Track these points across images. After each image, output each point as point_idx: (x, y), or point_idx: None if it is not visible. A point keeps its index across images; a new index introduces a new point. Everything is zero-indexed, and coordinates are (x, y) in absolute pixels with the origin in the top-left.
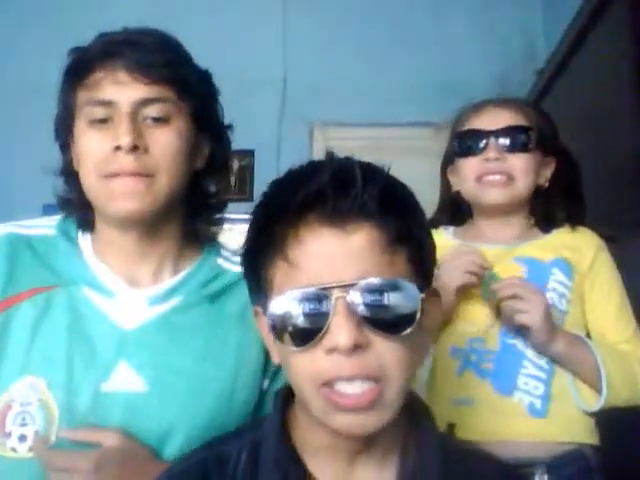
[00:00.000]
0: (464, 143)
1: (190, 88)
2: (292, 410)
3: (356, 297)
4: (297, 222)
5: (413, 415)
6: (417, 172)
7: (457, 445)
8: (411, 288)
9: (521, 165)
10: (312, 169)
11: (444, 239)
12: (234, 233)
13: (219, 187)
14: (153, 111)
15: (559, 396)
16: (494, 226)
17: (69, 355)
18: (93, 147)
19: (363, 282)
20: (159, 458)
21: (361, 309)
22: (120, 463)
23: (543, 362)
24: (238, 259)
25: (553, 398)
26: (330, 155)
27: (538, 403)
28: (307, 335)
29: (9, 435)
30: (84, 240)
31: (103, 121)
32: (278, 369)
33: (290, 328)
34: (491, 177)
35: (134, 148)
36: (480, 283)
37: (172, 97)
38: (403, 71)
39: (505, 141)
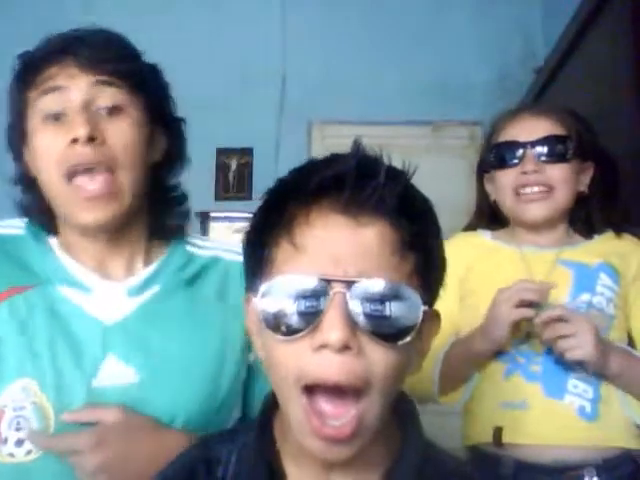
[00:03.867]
0: (500, 154)
1: (141, 80)
2: (280, 414)
3: (355, 296)
4: (310, 205)
5: (400, 421)
6: (416, 171)
7: (438, 455)
8: (414, 297)
9: (560, 175)
10: (337, 156)
11: (481, 238)
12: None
13: (177, 180)
14: (106, 100)
15: (608, 400)
16: (534, 234)
17: (56, 355)
18: (49, 144)
19: (366, 282)
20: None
21: (358, 311)
22: (124, 435)
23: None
24: (206, 245)
25: (602, 401)
26: (357, 145)
27: (588, 407)
28: (298, 326)
29: (5, 441)
30: (53, 239)
31: (57, 117)
32: None
33: (282, 316)
34: (529, 189)
35: (91, 139)
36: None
37: (123, 87)
38: (402, 69)
39: (543, 152)
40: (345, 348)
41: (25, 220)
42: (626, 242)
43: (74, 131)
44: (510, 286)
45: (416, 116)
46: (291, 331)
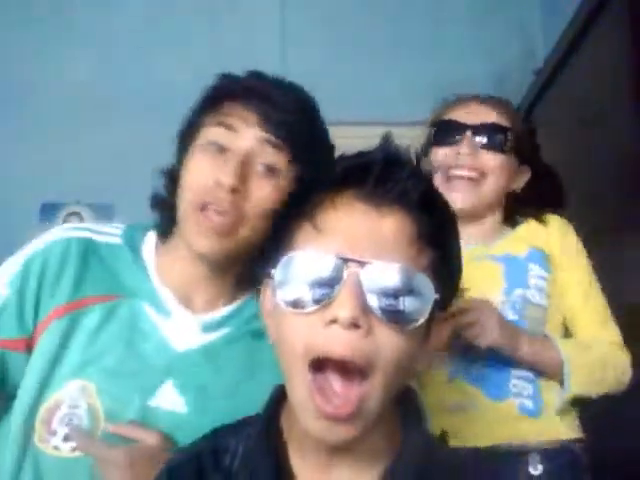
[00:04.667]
0: (440, 132)
1: (303, 149)
2: (285, 405)
3: (369, 277)
4: (335, 190)
5: (404, 415)
6: None
7: (444, 451)
8: (427, 284)
9: (494, 164)
10: (365, 150)
11: None
12: None
13: None
14: (265, 159)
15: (547, 393)
16: (463, 226)
17: (121, 365)
18: (200, 170)
19: (380, 264)
20: None
21: (371, 291)
22: (156, 462)
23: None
24: None
25: (543, 397)
26: (387, 137)
27: (530, 403)
28: (311, 300)
29: (54, 433)
30: (148, 252)
31: (219, 149)
32: None
33: (296, 288)
34: (459, 172)
35: (234, 191)
36: None
37: (286, 151)
38: (401, 70)
39: (481, 137)
40: (354, 326)
41: (122, 226)
42: (549, 222)
43: (224, 175)
44: None
45: (416, 117)
46: (303, 304)
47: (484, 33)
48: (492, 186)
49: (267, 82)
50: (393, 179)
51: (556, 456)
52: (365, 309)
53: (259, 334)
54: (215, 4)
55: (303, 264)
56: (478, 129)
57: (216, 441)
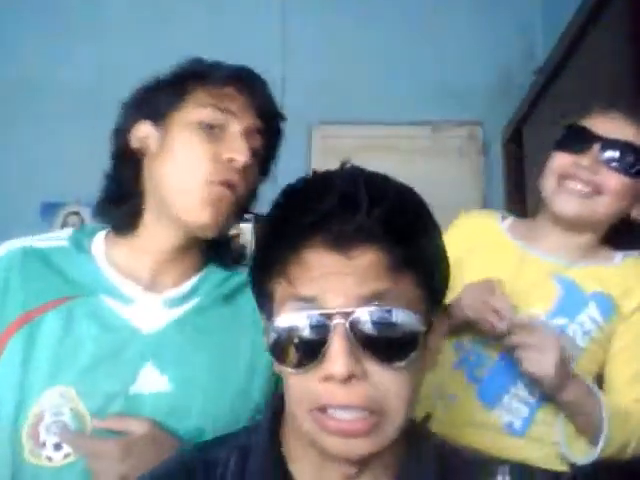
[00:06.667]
0: (568, 136)
1: (274, 142)
2: (284, 417)
3: (355, 325)
4: (300, 243)
5: (410, 430)
6: (415, 171)
7: (455, 456)
8: (412, 317)
9: (614, 185)
10: (320, 188)
11: (493, 221)
12: (233, 231)
13: None
14: (256, 142)
15: (544, 423)
16: (557, 234)
17: (96, 362)
18: (198, 152)
19: (363, 309)
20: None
21: (359, 339)
22: (147, 450)
23: (538, 389)
24: (245, 262)
25: (536, 423)
26: (340, 170)
27: (518, 423)
28: (304, 359)
29: (44, 445)
30: (97, 249)
31: (210, 126)
32: None
33: (288, 350)
34: (572, 184)
35: (245, 169)
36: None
37: (264, 142)
38: (402, 70)
39: (609, 153)
40: (350, 377)
41: (68, 231)
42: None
43: (236, 152)
44: (480, 284)
45: (416, 117)
46: (298, 365)
47: (485, 33)
48: (604, 207)
49: (247, 70)
50: (353, 220)
51: (530, 475)
52: (357, 357)
53: (230, 296)
54: (216, 7)
55: (288, 327)
56: (608, 143)
57: (205, 453)
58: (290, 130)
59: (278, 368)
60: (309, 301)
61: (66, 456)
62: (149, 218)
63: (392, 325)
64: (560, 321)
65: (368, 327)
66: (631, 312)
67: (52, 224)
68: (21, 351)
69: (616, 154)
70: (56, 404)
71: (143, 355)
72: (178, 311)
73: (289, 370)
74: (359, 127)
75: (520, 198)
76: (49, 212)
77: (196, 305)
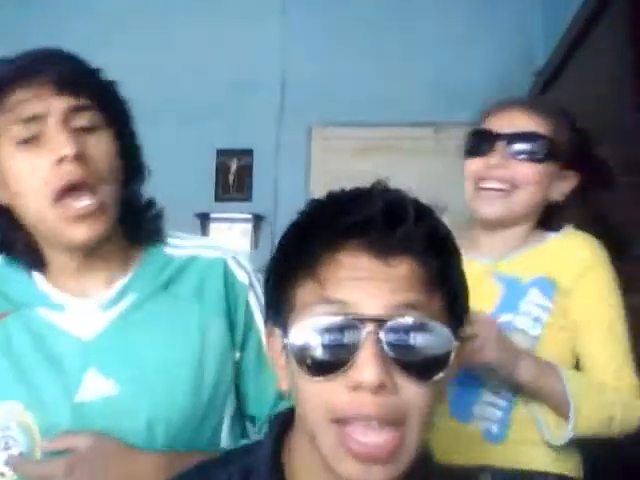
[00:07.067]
0: (472, 142)
1: (108, 97)
2: (287, 438)
3: (388, 334)
4: (336, 245)
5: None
6: (416, 172)
7: (444, 467)
8: (445, 332)
9: (526, 175)
10: (362, 195)
11: None
12: (234, 232)
13: (138, 187)
14: (82, 120)
15: (520, 423)
16: (489, 237)
17: (38, 375)
18: (30, 167)
19: (398, 319)
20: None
21: (392, 349)
22: (94, 463)
23: (504, 389)
24: (184, 245)
25: (512, 424)
26: (380, 185)
27: (495, 428)
28: (330, 365)
29: None
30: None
31: (33, 139)
32: (245, 338)
33: (312, 355)
34: (489, 184)
35: (78, 156)
36: None
37: (95, 107)
38: (402, 71)
39: (512, 146)
40: (380, 387)
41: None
42: (575, 243)
43: (59, 150)
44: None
45: (416, 118)
46: (322, 371)
47: (485, 34)
48: (524, 198)
49: (34, 54)
50: (398, 229)
51: (512, 478)
52: (387, 368)
53: (169, 283)
54: (216, 9)
55: (316, 329)
56: (511, 138)
57: (206, 475)
58: (290, 130)
59: (290, 377)
60: (340, 305)
61: (12, 467)
62: (35, 237)
63: (427, 338)
64: (506, 317)
65: (401, 338)
66: (571, 284)
67: None
68: None
69: (521, 146)
70: (4, 419)
71: (85, 362)
72: (114, 312)
73: (311, 377)
74: (359, 129)
75: None
76: None
77: (132, 302)
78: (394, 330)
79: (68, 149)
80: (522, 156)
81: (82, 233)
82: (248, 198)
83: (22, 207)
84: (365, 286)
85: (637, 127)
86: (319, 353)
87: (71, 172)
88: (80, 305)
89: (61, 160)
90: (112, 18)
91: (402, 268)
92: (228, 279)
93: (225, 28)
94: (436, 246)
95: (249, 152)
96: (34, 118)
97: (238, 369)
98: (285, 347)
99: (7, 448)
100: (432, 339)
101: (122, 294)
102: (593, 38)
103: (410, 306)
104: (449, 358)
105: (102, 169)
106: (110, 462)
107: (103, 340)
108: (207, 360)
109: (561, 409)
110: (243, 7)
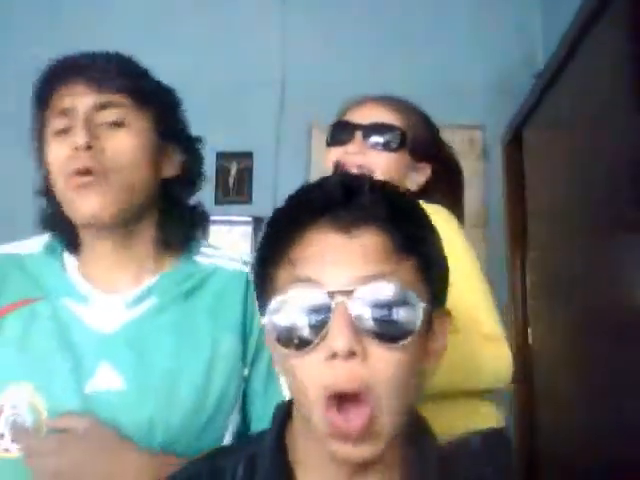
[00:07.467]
0: (334, 133)
1: (147, 96)
2: (291, 425)
3: (356, 303)
4: (304, 224)
5: (412, 430)
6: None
7: (456, 454)
8: (412, 297)
9: (382, 163)
10: (324, 179)
11: None
12: (234, 235)
13: (196, 199)
14: (108, 116)
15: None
16: None
17: (54, 360)
18: (56, 154)
19: (365, 288)
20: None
21: (360, 316)
22: (86, 446)
23: None
24: (217, 254)
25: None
26: (339, 166)
27: None
28: (307, 339)
29: (2, 437)
30: (69, 256)
31: (64, 131)
32: (256, 356)
33: (290, 331)
34: (347, 170)
35: (88, 147)
36: None
37: (127, 103)
38: (401, 72)
39: (371, 137)
40: (351, 354)
41: (45, 239)
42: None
43: (75, 141)
44: None
45: None
46: (302, 345)
47: (485, 36)
48: None
49: (77, 56)
50: (356, 200)
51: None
52: (358, 336)
53: (190, 293)
54: (215, 9)
55: (290, 307)
56: (368, 129)
57: (213, 463)
58: (291, 132)
59: (279, 356)
60: (312, 282)
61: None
62: (80, 232)
63: (392, 303)
64: None
65: (369, 304)
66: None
67: None
68: None
69: (377, 136)
70: (15, 398)
71: (100, 354)
72: (136, 311)
73: (292, 352)
74: None
75: (520, 201)
76: None
77: (154, 304)
78: (361, 299)
79: (80, 139)
80: (378, 146)
81: (88, 205)
82: (248, 201)
83: (55, 190)
84: (332, 261)
85: (637, 127)
86: (296, 329)
87: (80, 159)
88: (104, 299)
89: (76, 149)
90: (111, 18)
91: (366, 239)
92: (248, 294)
93: (224, 27)
94: (397, 213)
95: (249, 154)
96: (65, 112)
97: (246, 385)
98: (268, 330)
99: (15, 426)
100: (400, 304)
101: (146, 295)
102: (593, 40)
103: (377, 275)
104: (417, 321)
105: (117, 159)
106: (101, 450)
107: (120, 337)
108: (215, 372)
109: None
110: (243, 6)
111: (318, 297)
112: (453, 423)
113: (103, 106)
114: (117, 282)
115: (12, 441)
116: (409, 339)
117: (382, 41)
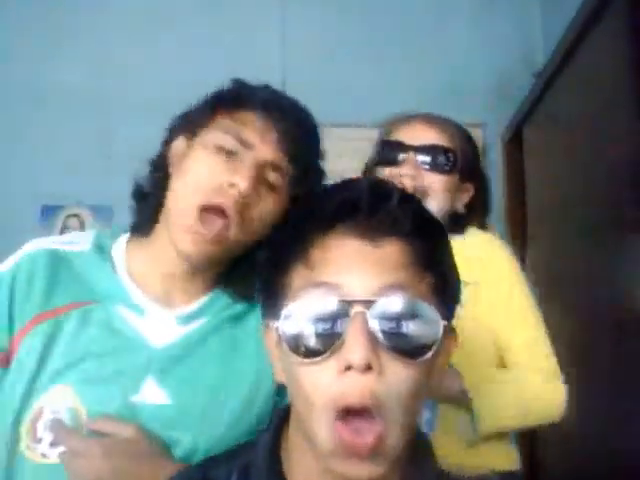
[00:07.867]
0: (385, 153)
1: (303, 177)
2: (286, 433)
3: (375, 315)
4: (325, 229)
5: (413, 450)
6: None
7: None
8: (432, 313)
9: (437, 185)
10: (350, 182)
11: None
12: None
13: None
14: (273, 177)
15: (447, 420)
16: None
17: (101, 367)
18: (208, 172)
19: (385, 300)
20: (172, 457)
21: (378, 329)
22: (129, 454)
23: None
24: None
25: (439, 424)
26: (367, 176)
27: (424, 428)
28: (320, 348)
29: (40, 441)
30: (118, 256)
31: (225, 152)
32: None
33: (303, 339)
34: None
35: (245, 196)
36: None
37: (289, 173)
38: (402, 72)
39: (425, 158)
40: (368, 368)
41: (92, 233)
42: (473, 239)
43: (240, 178)
44: None
45: None
46: (313, 353)
47: (485, 36)
48: (434, 205)
49: (282, 98)
50: (383, 209)
51: None
52: (375, 348)
53: (237, 318)
54: (215, 9)
55: (306, 313)
56: (421, 150)
57: (206, 472)
58: None
59: (285, 367)
60: (329, 288)
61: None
62: (161, 228)
63: (414, 317)
64: None
65: (388, 318)
66: (479, 276)
67: (52, 227)
68: (40, 346)
69: (429, 157)
70: (57, 401)
71: (148, 367)
72: (188, 328)
73: (303, 361)
74: (359, 129)
75: (520, 200)
76: (49, 214)
77: (205, 324)
78: (380, 311)
79: (244, 182)
80: (431, 167)
81: (191, 249)
82: None
83: (171, 198)
84: (353, 268)
85: (637, 127)
86: (309, 336)
87: (228, 200)
88: (159, 312)
89: (232, 185)
90: (110, 18)
91: (389, 249)
92: None
93: (224, 27)
94: (423, 228)
95: None
96: (243, 141)
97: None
98: (279, 336)
99: (57, 426)
100: (418, 319)
101: (198, 314)
102: (592, 39)
103: (398, 287)
104: (436, 339)
105: (256, 223)
106: (143, 460)
107: (168, 352)
108: (257, 397)
109: (468, 407)
110: (243, 6)
111: (334, 305)
112: (481, 463)
113: (275, 166)
114: (170, 295)
115: (50, 446)
116: (427, 356)
117: (382, 41)
